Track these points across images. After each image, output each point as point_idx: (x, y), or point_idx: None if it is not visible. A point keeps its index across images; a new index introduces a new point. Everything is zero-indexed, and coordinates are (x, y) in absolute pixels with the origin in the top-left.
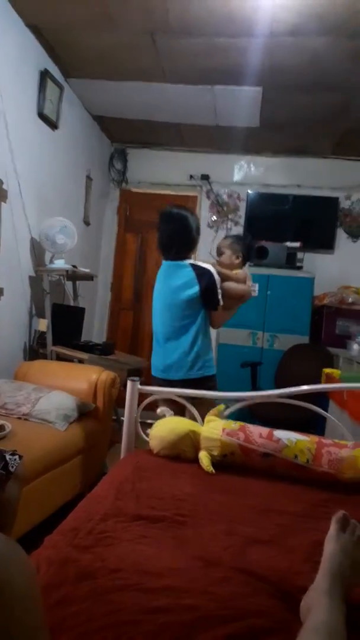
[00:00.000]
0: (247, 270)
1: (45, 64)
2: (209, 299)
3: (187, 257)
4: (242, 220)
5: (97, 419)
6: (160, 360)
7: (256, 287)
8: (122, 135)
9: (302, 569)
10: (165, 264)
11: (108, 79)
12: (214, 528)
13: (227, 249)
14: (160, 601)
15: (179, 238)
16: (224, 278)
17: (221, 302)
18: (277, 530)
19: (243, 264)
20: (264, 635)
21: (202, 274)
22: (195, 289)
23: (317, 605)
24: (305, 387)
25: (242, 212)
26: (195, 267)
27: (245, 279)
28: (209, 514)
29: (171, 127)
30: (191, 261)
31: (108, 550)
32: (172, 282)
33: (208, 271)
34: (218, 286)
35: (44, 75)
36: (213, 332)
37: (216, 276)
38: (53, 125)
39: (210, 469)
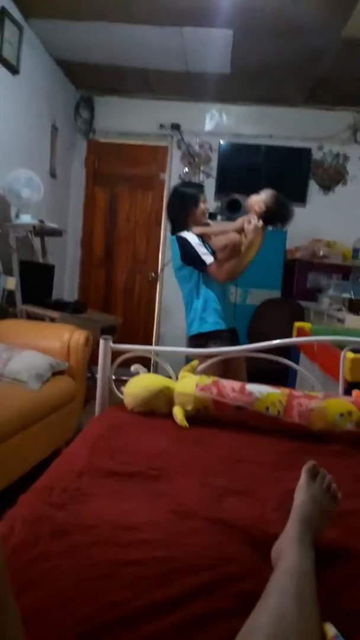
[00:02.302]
0: (253, 218)
1: (1, 2)
2: (192, 262)
3: (182, 230)
4: (214, 172)
5: (71, 377)
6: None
7: (254, 221)
8: (87, 81)
9: (273, 517)
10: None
11: (71, 19)
12: (187, 480)
13: (262, 194)
14: (135, 554)
15: (168, 214)
16: (209, 236)
17: (209, 261)
18: (249, 480)
19: (266, 224)
20: (236, 582)
21: (180, 243)
22: (178, 258)
23: (288, 551)
24: (276, 342)
25: (214, 164)
26: (177, 238)
27: (240, 228)
28: (182, 467)
29: (139, 72)
30: (180, 233)
31: (83, 507)
32: (172, 257)
33: (182, 238)
34: (197, 248)
35: (1, 14)
36: None
37: (192, 239)
38: (13, 69)
39: (184, 423)
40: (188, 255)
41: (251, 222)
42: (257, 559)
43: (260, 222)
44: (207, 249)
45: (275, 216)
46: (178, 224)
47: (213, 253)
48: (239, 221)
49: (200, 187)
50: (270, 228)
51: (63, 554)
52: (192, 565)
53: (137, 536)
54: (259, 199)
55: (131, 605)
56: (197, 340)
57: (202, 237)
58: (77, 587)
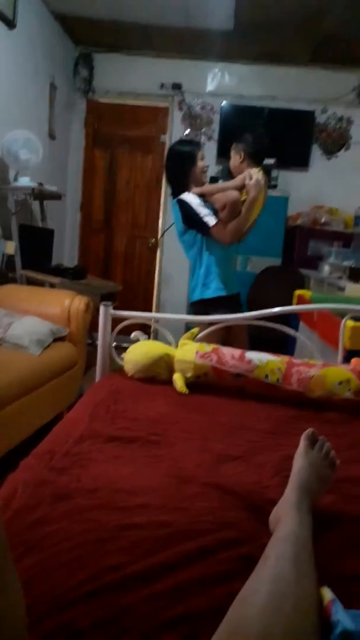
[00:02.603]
0: (254, 173)
1: None
2: (194, 225)
3: (183, 192)
4: (216, 135)
5: (72, 343)
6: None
7: (256, 175)
8: (87, 37)
9: (271, 483)
10: None
11: None
12: (186, 446)
13: (232, 151)
14: (134, 518)
15: (167, 177)
16: (209, 194)
17: (212, 222)
18: (248, 446)
19: (253, 163)
20: (235, 546)
21: (181, 205)
22: (180, 222)
23: (286, 517)
24: (276, 310)
25: (215, 126)
26: (178, 201)
27: (241, 185)
28: (182, 433)
29: (140, 28)
30: (180, 196)
31: (84, 471)
32: (174, 222)
33: (182, 200)
34: (198, 210)
35: None
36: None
37: (193, 201)
38: (9, 23)
39: (184, 389)
40: (189, 218)
41: (252, 177)
42: (256, 524)
43: (261, 176)
44: (209, 210)
45: (260, 153)
46: (178, 185)
47: (216, 213)
48: (239, 178)
49: (197, 144)
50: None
51: (64, 517)
52: (191, 530)
53: (136, 500)
54: (237, 154)
55: (130, 569)
56: (199, 306)
57: (204, 197)
58: (77, 550)
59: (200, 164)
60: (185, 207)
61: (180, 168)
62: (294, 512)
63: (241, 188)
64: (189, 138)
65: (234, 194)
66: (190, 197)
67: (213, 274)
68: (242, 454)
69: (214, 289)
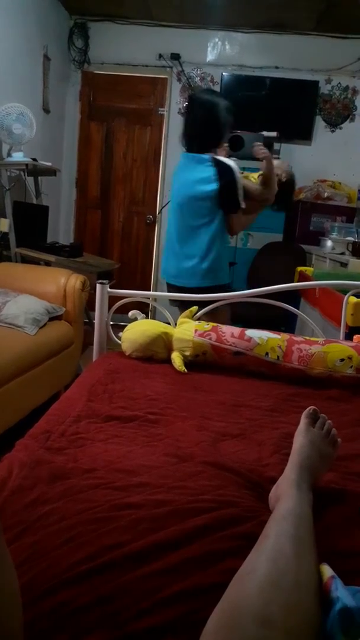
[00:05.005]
0: (282, 164)
1: None
2: (228, 199)
3: (210, 151)
4: None
5: (68, 322)
6: (173, 264)
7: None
8: (82, 6)
9: (271, 461)
10: (184, 156)
11: None
12: (185, 424)
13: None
14: (132, 498)
15: (205, 128)
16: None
17: (242, 205)
18: (247, 424)
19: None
20: (235, 524)
21: (223, 170)
22: (214, 186)
23: (286, 495)
24: (277, 287)
25: None
26: (217, 162)
27: (270, 179)
28: (181, 412)
29: None
30: (213, 155)
31: (81, 451)
32: (190, 176)
33: (229, 168)
34: (239, 186)
35: None
36: None
37: (238, 174)
38: None
39: (183, 368)
40: (229, 189)
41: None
42: (256, 502)
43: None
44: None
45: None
46: (207, 143)
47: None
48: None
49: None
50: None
51: (61, 497)
52: (191, 508)
53: (135, 480)
54: (279, 165)
55: (129, 547)
56: (221, 291)
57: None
58: (74, 530)
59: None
60: (231, 177)
61: (220, 127)
62: (294, 490)
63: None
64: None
65: (272, 191)
66: (237, 170)
67: (225, 259)
68: (241, 432)
69: (227, 276)
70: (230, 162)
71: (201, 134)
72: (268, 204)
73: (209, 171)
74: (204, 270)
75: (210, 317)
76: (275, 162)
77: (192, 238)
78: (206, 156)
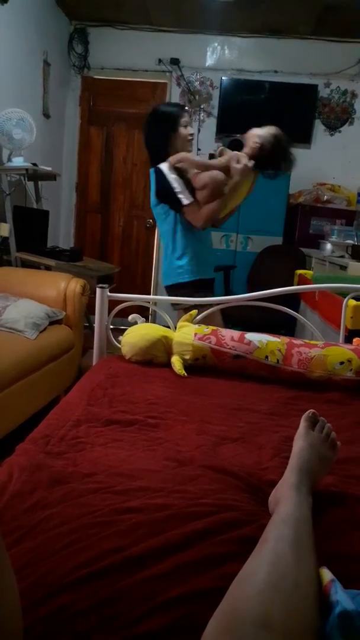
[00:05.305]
0: (242, 157)
1: None
2: (168, 201)
3: (162, 160)
4: (215, 111)
5: (68, 326)
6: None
7: (245, 160)
8: (81, 11)
9: (271, 464)
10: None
11: None
12: (185, 428)
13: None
14: (132, 502)
15: (145, 142)
16: (189, 166)
17: (185, 201)
18: (248, 428)
19: (258, 167)
20: (234, 528)
21: (158, 175)
22: (153, 192)
23: (286, 498)
24: (277, 290)
25: (215, 102)
26: (155, 171)
27: (226, 166)
28: (180, 416)
29: (136, 1)
30: (158, 165)
31: (81, 455)
32: (151, 193)
33: (161, 171)
34: (173, 185)
35: None
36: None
37: (168, 172)
38: None
39: (183, 372)
40: (163, 190)
41: (240, 161)
42: (255, 505)
43: (251, 163)
44: (184, 186)
45: (269, 161)
46: (156, 153)
47: (192, 191)
48: (226, 158)
49: (182, 107)
50: (264, 174)
51: (61, 501)
52: (190, 512)
53: (134, 484)
54: (256, 134)
55: (129, 552)
56: (173, 292)
57: (181, 170)
58: (74, 534)
59: (183, 131)
60: (159, 178)
61: (160, 132)
62: (294, 493)
63: (226, 170)
64: (176, 102)
65: (220, 175)
66: (166, 168)
67: (188, 256)
68: (241, 436)
69: (191, 272)
70: (162, 165)
71: (148, 148)
72: (224, 191)
73: (152, 179)
74: (168, 269)
75: (203, 321)
76: (256, 131)
77: (164, 242)
78: (151, 170)
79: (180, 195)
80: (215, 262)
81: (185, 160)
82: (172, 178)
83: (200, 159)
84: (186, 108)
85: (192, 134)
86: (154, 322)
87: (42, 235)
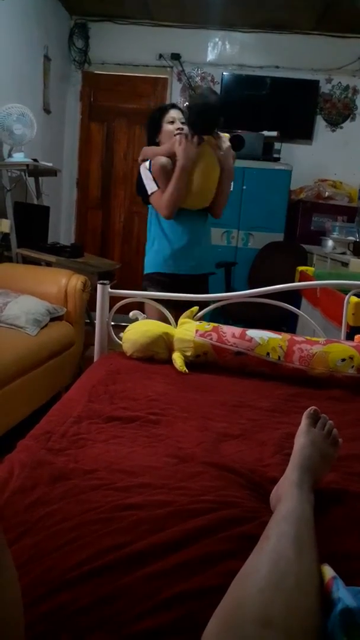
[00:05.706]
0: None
1: None
2: (140, 193)
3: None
4: None
5: (69, 323)
6: None
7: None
8: (82, 6)
9: (272, 461)
10: None
11: None
12: (186, 425)
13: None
14: (133, 498)
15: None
16: (150, 156)
17: (149, 190)
18: (249, 425)
19: (197, 135)
20: (236, 525)
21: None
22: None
23: (287, 495)
24: (278, 287)
25: None
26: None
27: (171, 151)
28: (182, 412)
29: None
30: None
31: (82, 452)
32: None
33: (139, 167)
34: (143, 176)
35: None
36: None
37: (141, 167)
38: None
39: (184, 369)
40: (137, 184)
41: (181, 142)
42: (257, 502)
43: (185, 130)
44: (150, 178)
45: (201, 118)
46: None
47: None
48: (170, 142)
49: (167, 106)
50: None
51: (62, 498)
52: (192, 509)
53: (135, 480)
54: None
55: (130, 548)
56: (143, 281)
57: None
58: (75, 531)
59: (168, 127)
60: (138, 172)
61: (148, 134)
62: (295, 490)
63: (172, 155)
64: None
65: (162, 159)
66: (142, 164)
67: (156, 247)
68: (242, 433)
69: (152, 264)
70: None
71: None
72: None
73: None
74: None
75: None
76: None
77: None
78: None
79: (147, 185)
80: (211, 258)
81: (143, 153)
82: (143, 172)
83: (153, 149)
84: (176, 105)
85: (178, 128)
86: None
87: (42, 231)
